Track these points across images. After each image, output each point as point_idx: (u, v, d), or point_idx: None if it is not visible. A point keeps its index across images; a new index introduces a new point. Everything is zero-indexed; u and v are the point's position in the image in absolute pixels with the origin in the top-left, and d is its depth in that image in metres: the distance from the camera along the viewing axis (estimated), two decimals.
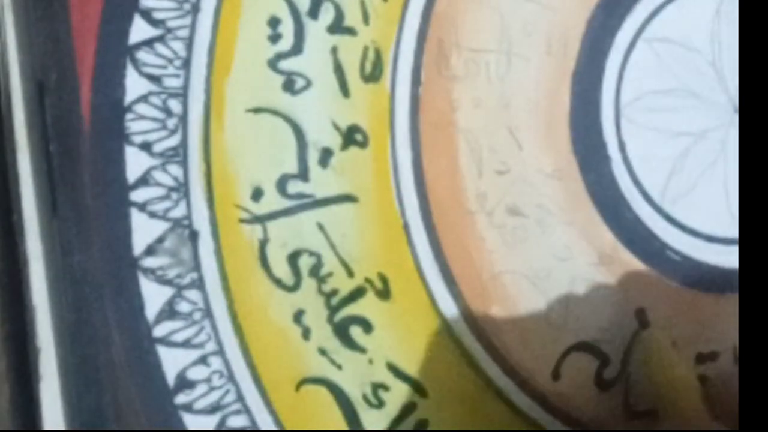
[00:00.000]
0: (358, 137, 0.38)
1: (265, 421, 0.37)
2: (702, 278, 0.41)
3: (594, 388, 0.40)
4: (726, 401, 0.36)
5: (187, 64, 0.36)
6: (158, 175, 0.36)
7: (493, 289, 0.39)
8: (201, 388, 0.36)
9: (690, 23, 0.41)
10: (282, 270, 0.37)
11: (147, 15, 0.36)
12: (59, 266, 0.34)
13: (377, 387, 0.38)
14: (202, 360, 0.36)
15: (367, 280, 0.38)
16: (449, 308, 0.39)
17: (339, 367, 0.37)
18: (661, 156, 0.41)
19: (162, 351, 0.35)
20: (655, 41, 0.41)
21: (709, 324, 0.41)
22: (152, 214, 0.36)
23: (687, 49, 0.41)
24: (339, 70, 0.38)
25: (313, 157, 0.37)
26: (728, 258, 0.41)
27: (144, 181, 0.36)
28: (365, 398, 0.37)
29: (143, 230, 0.35)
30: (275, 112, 0.37)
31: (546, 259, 0.40)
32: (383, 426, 0.37)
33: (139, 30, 0.36)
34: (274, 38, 0.37)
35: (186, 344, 0.36)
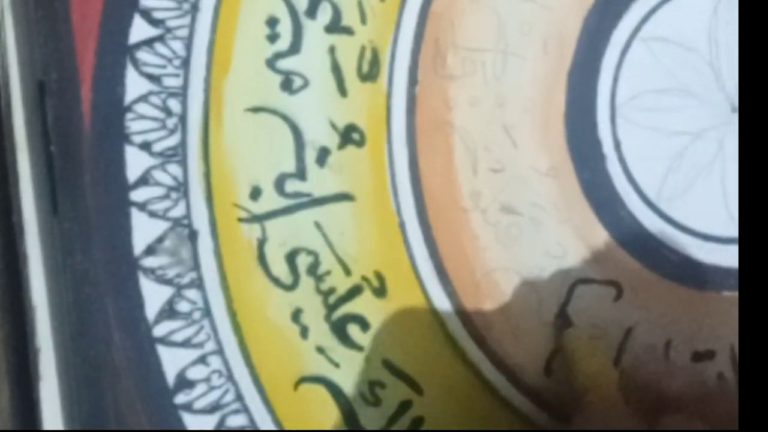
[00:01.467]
0: (355, 136, 0.38)
1: (264, 420, 0.37)
2: (698, 277, 0.41)
3: None
4: (636, 388, 0.36)
5: (186, 63, 0.36)
6: (158, 175, 0.36)
7: (487, 287, 0.39)
8: (200, 388, 0.36)
9: (687, 22, 0.41)
10: (280, 269, 0.37)
11: (147, 14, 0.36)
12: (59, 266, 0.34)
13: (374, 385, 0.38)
14: (202, 359, 0.36)
15: (364, 279, 0.38)
16: (443, 305, 0.39)
17: (336, 365, 0.38)
18: (658, 155, 0.41)
19: (162, 350, 0.36)
20: (652, 40, 0.41)
21: (706, 323, 0.41)
22: (152, 214, 0.36)
23: (684, 48, 0.41)
24: (336, 70, 0.38)
25: (310, 156, 0.38)
26: (725, 257, 0.41)
27: (144, 180, 0.36)
28: (362, 396, 0.38)
29: (143, 230, 0.36)
30: (273, 112, 0.37)
31: (540, 257, 0.40)
32: (380, 423, 0.38)
33: (139, 29, 0.36)
34: (273, 38, 0.37)
35: (186, 344, 0.36)
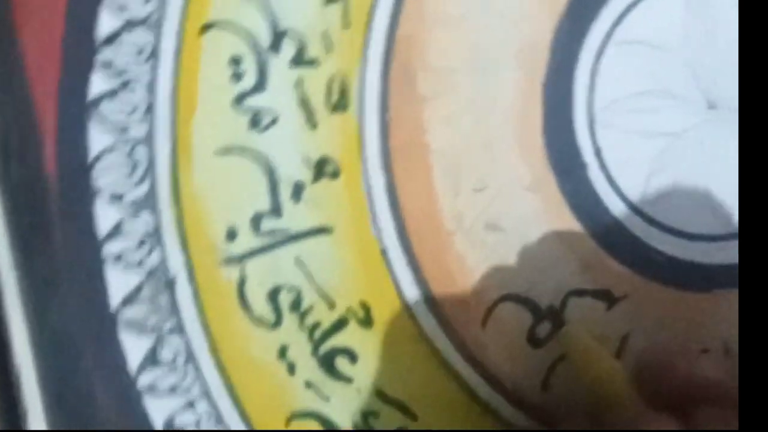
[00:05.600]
0: (329, 168, 0.38)
1: None
2: (688, 277, 0.41)
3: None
4: (645, 380, 0.36)
5: (150, 111, 0.36)
6: (130, 226, 0.36)
7: (477, 307, 0.39)
8: None
9: (659, 22, 0.41)
10: (262, 308, 0.37)
11: (106, 66, 0.36)
12: (37, 327, 0.34)
13: (367, 415, 0.38)
14: (190, 405, 0.36)
15: (349, 310, 0.38)
16: (433, 329, 0.39)
17: (327, 399, 0.37)
18: (639, 158, 0.40)
19: (148, 400, 0.36)
20: (625, 44, 0.40)
21: (698, 322, 0.41)
22: (127, 265, 0.36)
23: (657, 48, 0.40)
24: (305, 103, 0.38)
25: (285, 192, 0.37)
26: (713, 255, 0.41)
27: (116, 232, 0.36)
28: (356, 427, 0.38)
29: (119, 282, 0.36)
30: (243, 151, 0.37)
31: (529, 273, 0.39)
32: None
33: (100, 82, 0.36)
34: (237, 77, 0.37)
35: (172, 391, 0.36)
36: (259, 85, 0.37)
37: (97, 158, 0.35)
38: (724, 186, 0.39)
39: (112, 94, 0.36)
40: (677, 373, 0.35)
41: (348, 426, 0.37)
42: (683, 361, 0.35)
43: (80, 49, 0.36)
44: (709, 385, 0.34)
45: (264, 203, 0.37)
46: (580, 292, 0.40)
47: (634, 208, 0.41)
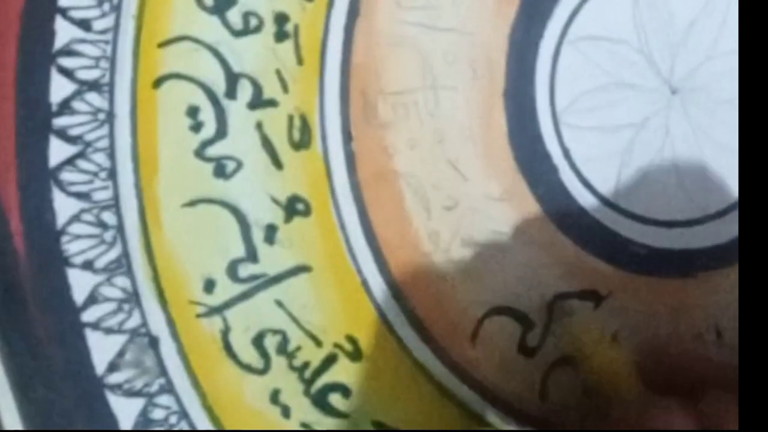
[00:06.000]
0: (300, 206, 0.38)
1: None
2: (671, 265, 0.41)
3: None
4: (651, 369, 0.36)
5: (113, 174, 0.36)
6: (106, 291, 0.36)
7: (464, 325, 0.39)
8: None
9: (610, 16, 0.41)
10: (249, 355, 0.37)
11: (62, 134, 0.35)
12: (24, 400, 0.34)
13: None
14: None
15: (336, 346, 0.38)
16: (423, 353, 0.39)
17: None
18: (607, 153, 0.40)
19: None
20: (580, 41, 0.40)
21: (687, 308, 0.41)
22: (108, 331, 0.35)
23: (612, 42, 0.40)
24: (267, 144, 0.37)
25: (258, 236, 0.37)
26: (693, 240, 0.41)
27: (92, 299, 0.35)
28: None
29: (101, 348, 0.35)
30: (211, 201, 0.37)
31: (512, 283, 0.39)
32: None
33: (58, 150, 0.35)
34: (196, 127, 0.37)
35: None
36: (220, 133, 0.37)
37: (65, 227, 0.35)
38: (696, 168, 0.39)
39: (71, 160, 0.35)
40: (676, 359, 0.35)
41: None
42: (679, 347, 0.35)
43: (35, 118, 0.36)
44: (710, 366, 0.34)
45: (238, 250, 0.37)
46: (565, 296, 0.40)
47: (609, 204, 0.41)
